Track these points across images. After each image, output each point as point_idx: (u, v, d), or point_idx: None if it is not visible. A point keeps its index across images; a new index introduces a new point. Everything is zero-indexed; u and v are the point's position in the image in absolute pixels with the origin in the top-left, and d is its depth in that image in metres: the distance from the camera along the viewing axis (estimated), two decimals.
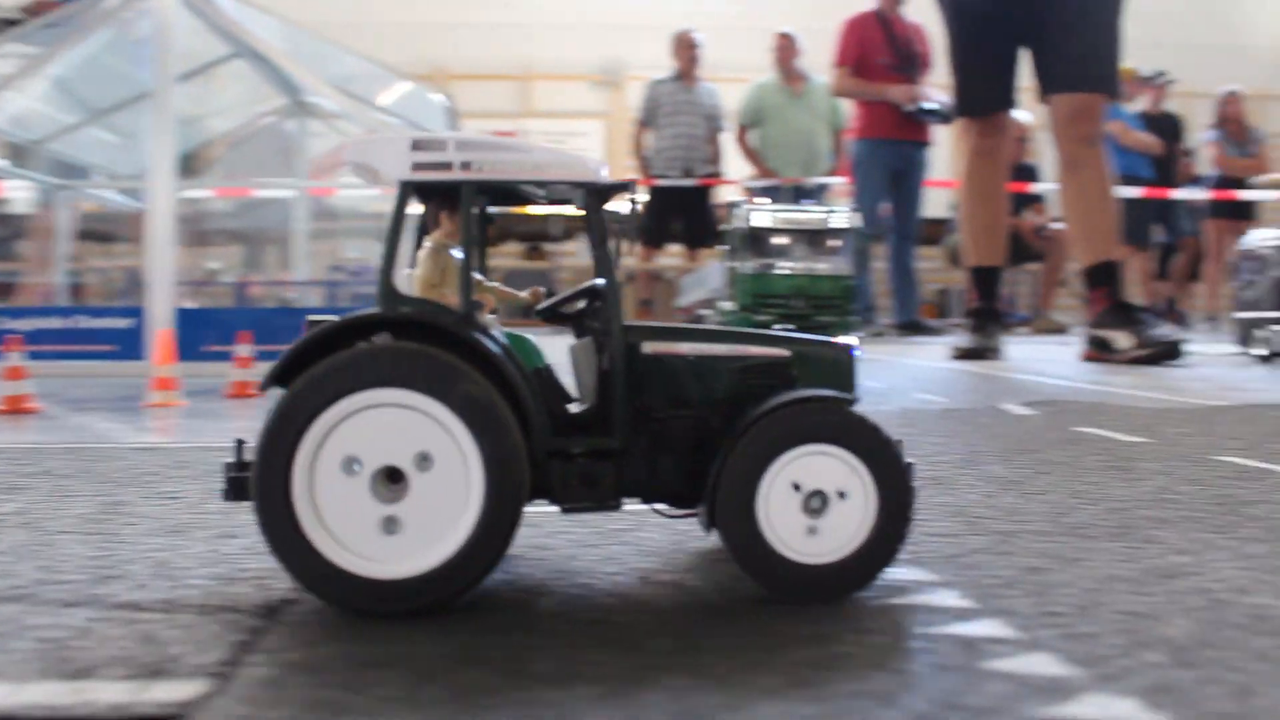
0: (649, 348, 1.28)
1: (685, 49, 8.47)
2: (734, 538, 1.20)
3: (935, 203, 9.02)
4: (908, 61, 8.12)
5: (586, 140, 12.74)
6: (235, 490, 1.21)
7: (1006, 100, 5.75)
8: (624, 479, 1.25)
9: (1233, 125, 10.52)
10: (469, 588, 1.15)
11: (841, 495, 1.20)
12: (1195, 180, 10.29)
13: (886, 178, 8.22)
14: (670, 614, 1.17)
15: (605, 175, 1.28)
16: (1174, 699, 0.90)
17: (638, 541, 1.49)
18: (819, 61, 8.40)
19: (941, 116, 7.69)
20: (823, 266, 5.74)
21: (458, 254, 1.27)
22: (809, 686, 0.94)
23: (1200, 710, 0.88)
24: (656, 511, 1.35)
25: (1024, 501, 1.80)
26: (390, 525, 1.14)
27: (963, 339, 5.99)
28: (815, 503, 1.20)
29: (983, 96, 5.71)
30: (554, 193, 1.32)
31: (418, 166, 1.23)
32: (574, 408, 1.30)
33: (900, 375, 4.76)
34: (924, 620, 1.13)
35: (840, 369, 1.33)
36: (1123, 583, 1.26)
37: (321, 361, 1.14)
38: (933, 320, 9.31)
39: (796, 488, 1.20)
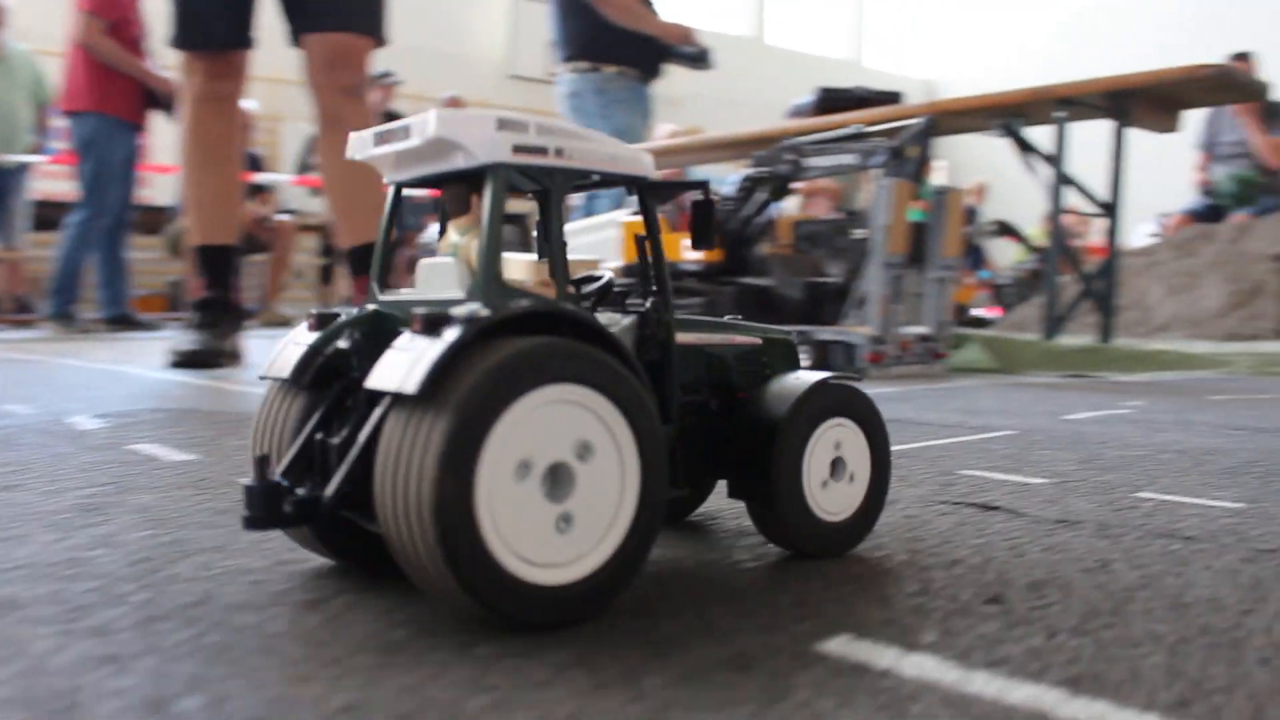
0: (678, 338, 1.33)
1: None
2: (786, 504, 1.33)
3: (157, 189, 8.38)
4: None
5: None
6: (271, 515, 1.09)
7: (243, 36, 4.57)
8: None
9: None
10: (636, 577, 1.13)
11: (852, 461, 1.40)
12: None
13: (125, 159, 7.45)
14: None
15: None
16: None
17: None
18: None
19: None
20: None
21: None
22: None
23: None
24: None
25: None
26: (562, 523, 1.08)
27: (187, 339, 4.68)
28: (838, 468, 1.38)
29: (212, 25, 4.50)
30: (611, 183, 1.29)
31: (518, 150, 1.15)
32: None
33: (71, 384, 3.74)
34: None
35: (791, 352, 1.50)
36: None
37: (479, 364, 1.03)
38: (153, 315, 8.71)
39: (827, 456, 1.37)
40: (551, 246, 1.20)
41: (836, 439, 1.38)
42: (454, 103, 11.97)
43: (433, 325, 1.05)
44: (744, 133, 7.12)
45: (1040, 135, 6.08)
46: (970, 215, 11.47)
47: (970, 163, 14.49)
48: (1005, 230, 12.25)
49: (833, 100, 6.87)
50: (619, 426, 1.11)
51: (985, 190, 13.28)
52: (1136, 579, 1.29)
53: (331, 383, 1.21)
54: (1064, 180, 5.89)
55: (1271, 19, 15.96)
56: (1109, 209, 6.26)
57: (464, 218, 1.25)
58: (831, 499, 1.37)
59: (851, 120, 5.80)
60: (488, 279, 1.12)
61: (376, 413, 1.11)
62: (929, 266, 5.44)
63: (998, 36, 20.91)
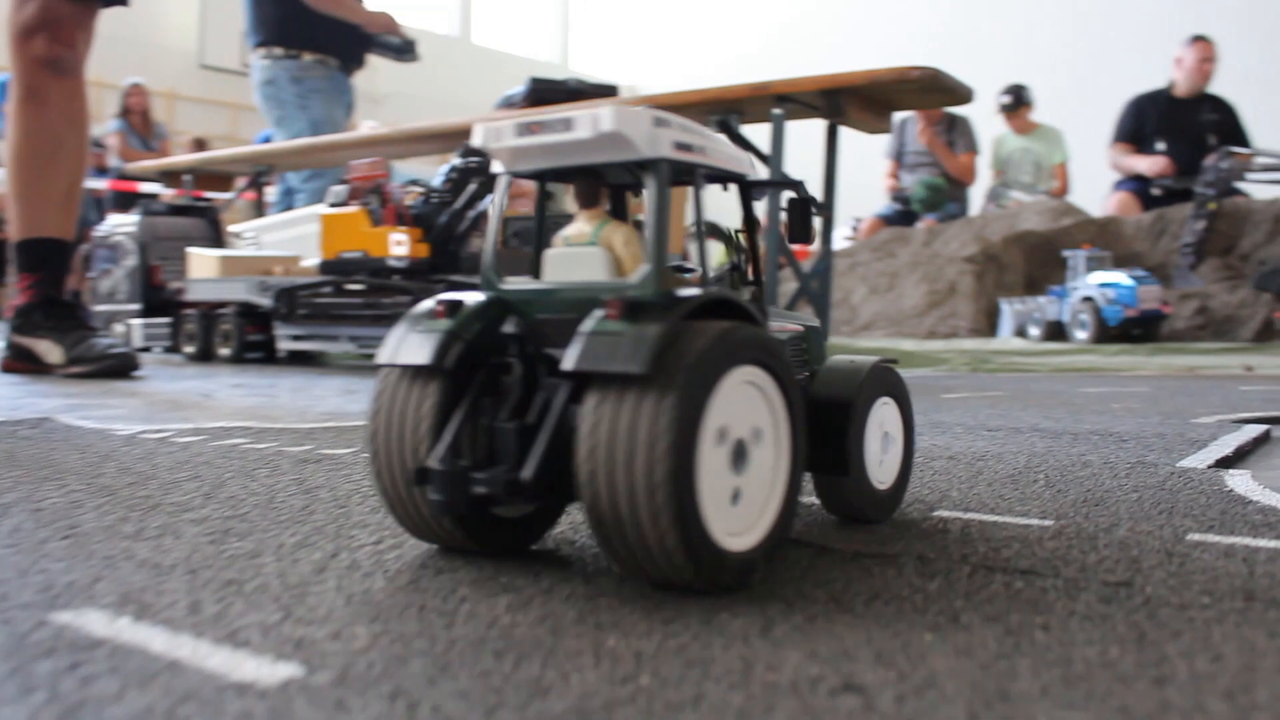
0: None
1: None
2: (857, 475, 1.45)
3: None
4: None
5: None
6: (460, 498, 1.15)
7: None
8: None
9: (136, 117, 10.56)
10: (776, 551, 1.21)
11: (893, 435, 1.56)
12: (104, 171, 10.00)
13: None
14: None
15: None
16: None
17: None
18: None
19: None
20: None
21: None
22: None
23: None
24: None
25: None
26: (735, 497, 1.15)
27: (85, 347, 4.26)
28: (885, 442, 1.54)
29: None
30: (718, 179, 1.34)
31: (677, 146, 1.21)
32: None
33: None
34: None
35: (820, 338, 1.59)
36: None
37: (692, 345, 1.09)
38: None
39: (879, 431, 1.52)
40: (699, 238, 1.28)
41: (882, 416, 1.53)
42: (137, 91, 11.00)
43: (632, 310, 1.11)
44: (453, 123, 6.67)
45: (760, 136, 5.98)
46: None
47: None
48: (714, 231, 12.37)
49: (545, 91, 6.53)
50: (780, 409, 1.21)
51: None
52: (1001, 643, 0.97)
53: (471, 368, 1.23)
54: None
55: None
56: (823, 209, 6.24)
57: (594, 209, 1.31)
58: (882, 470, 1.53)
59: (570, 110, 5.47)
60: (659, 266, 1.17)
61: (561, 395, 1.16)
62: None
63: (707, 41, 21.35)
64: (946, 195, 11.51)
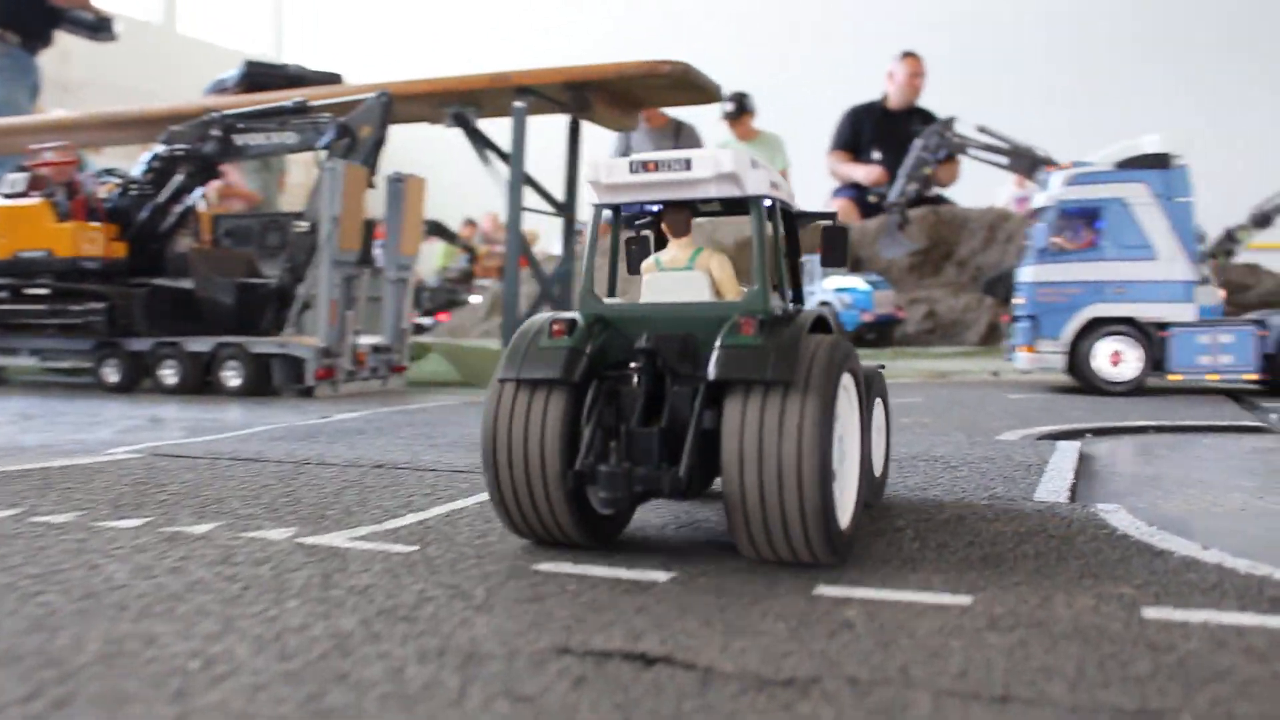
0: None
1: None
2: (868, 466, 1.59)
3: None
4: None
5: None
6: (626, 494, 1.33)
7: None
8: None
9: None
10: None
11: (881, 431, 1.79)
12: None
13: None
14: None
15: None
16: None
17: None
18: None
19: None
20: None
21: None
22: None
23: None
24: None
25: None
26: (839, 483, 1.38)
27: None
28: (880, 436, 1.78)
29: None
30: (785, 212, 1.63)
31: (772, 185, 1.49)
32: None
33: None
34: None
35: None
36: None
37: (818, 354, 1.33)
38: None
39: (882, 426, 1.81)
40: (788, 263, 1.60)
41: (877, 413, 1.69)
42: None
43: (762, 325, 1.35)
44: (156, 109, 5.97)
45: (501, 132, 5.66)
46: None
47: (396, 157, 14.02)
48: (436, 230, 11.91)
49: (261, 76, 5.95)
50: (856, 408, 1.47)
51: None
52: None
53: (590, 378, 1.42)
54: (524, 178, 5.50)
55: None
56: (564, 209, 5.99)
57: (685, 238, 1.53)
58: (876, 460, 1.71)
59: (290, 96, 4.96)
60: (765, 288, 1.42)
61: (692, 401, 1.36)
62: (386, 265, 4.77)
63: (448, 31, 20.59)
64: None
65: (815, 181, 12.19)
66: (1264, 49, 13.61)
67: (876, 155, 11.51)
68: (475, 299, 11.08)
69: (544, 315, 1.47)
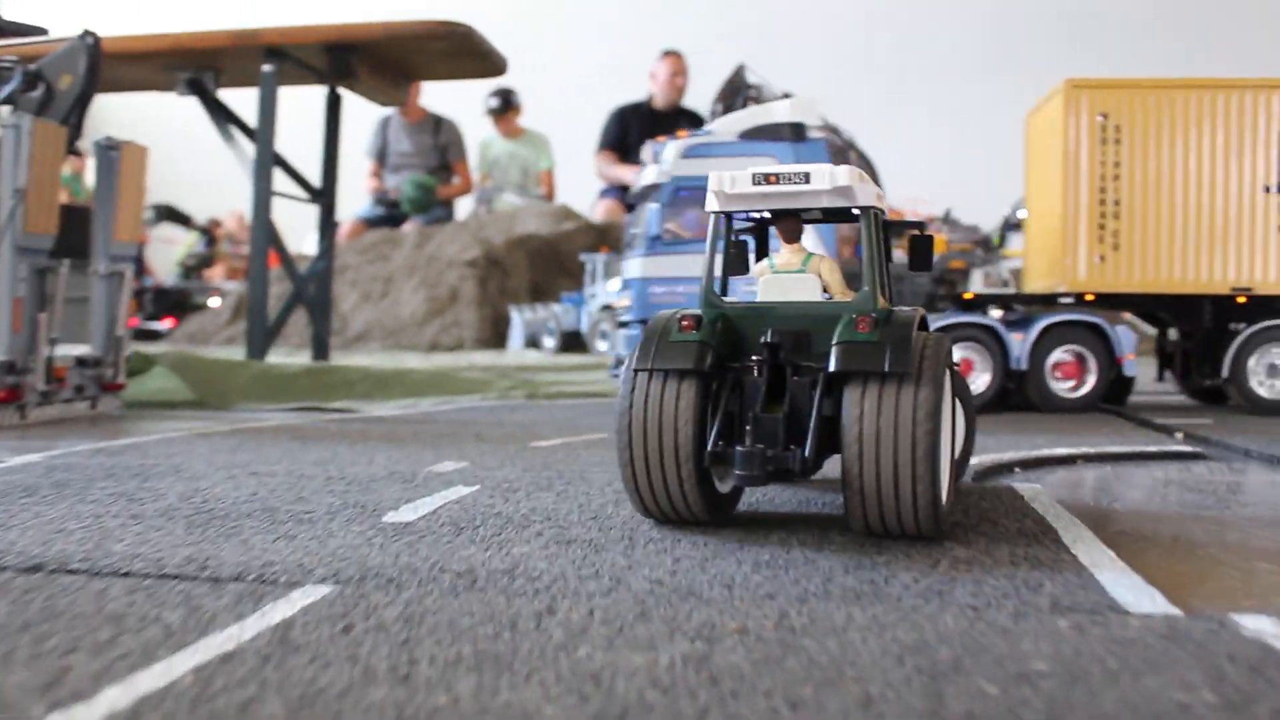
0: None
1: None
2: None
3: None
4: None
5: None
6: (761, 472, 1.47)
7: None
8: None
9: None
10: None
11: None
12: None
13: None
14: None
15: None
16: None
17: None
18: None
19: None
20: None
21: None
22: None
23: None
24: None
25: None
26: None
27: None
28: None
29: None
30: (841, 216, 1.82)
31: (877, 196, 1.65)
32: None
33: None
34: None
35: None
36: None
37: (929, 349, 1.50)
38: None
39: None
40: (886, 266, 1.71)
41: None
42: None
43: (877, 322, 1.49)
44: None
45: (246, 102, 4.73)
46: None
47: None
48: (167, 214, 10.57)
49: None
50: (950, 396, 1.61)
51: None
52: None
53: (720, 369, 1.57)
54: (274, 158, 4.60)
55: None
56: (320, 195, 5.12)
57: (795, 243, 1.71)
58: (957, 444, 1.87)
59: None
60: (875, 289, 1.57)
61: (812, 390, 1.52)
62: (95, 256, 3.77)
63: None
64: (436, 196, 10.76)
65: (583, 182, 11.69)
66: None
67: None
68: (215, 302, 9.84)
69: (671, 310, 1.61)
